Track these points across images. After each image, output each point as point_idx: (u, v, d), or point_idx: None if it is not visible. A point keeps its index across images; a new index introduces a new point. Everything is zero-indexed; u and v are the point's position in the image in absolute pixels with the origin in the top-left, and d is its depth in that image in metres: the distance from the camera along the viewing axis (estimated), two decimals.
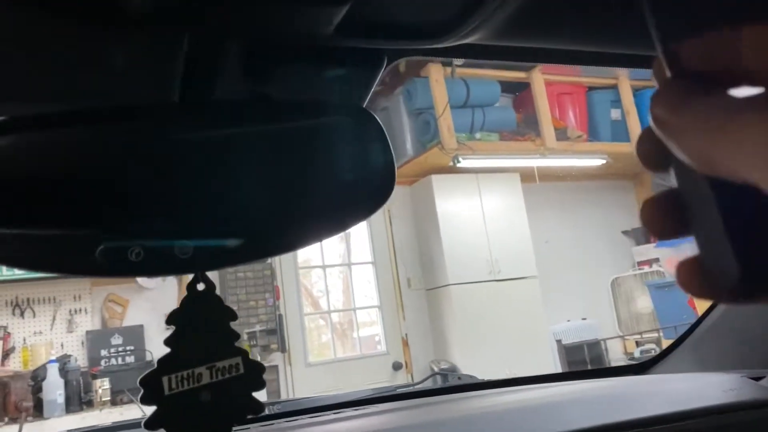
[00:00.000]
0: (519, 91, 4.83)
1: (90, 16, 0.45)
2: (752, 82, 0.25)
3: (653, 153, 0.27)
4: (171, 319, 0.56)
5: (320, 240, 0.59)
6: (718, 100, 0.24)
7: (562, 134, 4.58)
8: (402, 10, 0.53)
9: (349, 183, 0.62)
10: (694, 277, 0.25)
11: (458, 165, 4.33)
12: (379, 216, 4.67)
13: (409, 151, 4.53)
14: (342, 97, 0.64)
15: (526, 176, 4.67)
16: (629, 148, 4.75)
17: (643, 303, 4.83)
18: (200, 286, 0.58)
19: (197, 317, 0.58)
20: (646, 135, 0.27)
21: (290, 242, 0.58)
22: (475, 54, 0.67)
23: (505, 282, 4.43)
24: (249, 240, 0.55)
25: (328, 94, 0.63)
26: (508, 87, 4.71)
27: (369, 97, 0.69)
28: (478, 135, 4.46)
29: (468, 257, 4.39)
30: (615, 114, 4.82)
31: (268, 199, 0.58)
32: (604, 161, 4.72)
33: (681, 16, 0.65)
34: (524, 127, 4.59)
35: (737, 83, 0.28)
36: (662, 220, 0.27)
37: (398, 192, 4.71)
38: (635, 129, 4.77)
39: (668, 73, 0.28)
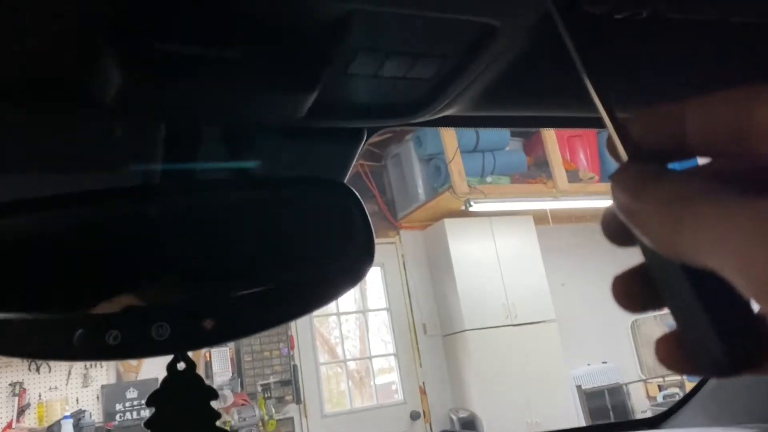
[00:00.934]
0: (529, 135, 4.85)
1: (68, 108, 0.47)
2: (702, 155, 0.26)
3: (618, 231, 0.27)
4: (151, 400, 0.56)
5: (299, 316, 0.59)
6: (675, 186, 0.24)
7: (573, 176, 4.58)
8: (371, 92, 0.54)
9: (328, 257, 0.62)
10: (674, 352, 0.25)
11: (470, 209, 4.33)
12: (393, 261, 4.66)
13: (421, 196, 4.55)
14: (323, 171, 0.65)
15: (540, 218, 4.65)
16: None
17: None
18: (181, 365, 0.58)
19: (178, 397, 0.58)
20: (610, 213, 0.27)
21: (267, 319, 0.58)
22: (454, 123, 0.68)
23: (523, 326, 4.37)
24: (225, 320, 0.55)
25: (307, 168, 0.64)
26: (517, 130, 4.74)
27: (352, 167, 0.70)
28: (489, 179, 4.47)
29: (484, 302, 4.34)
30: None
31: (245, 276, 0.59)
32: None
33: (623, 94, 0.66)
34: (535, 170, 4.60)
35: (687, 157, 0.28)
36: (633, 295, 0.27)
37: (411, 237, 4.72)
38: None
39: (620, 150, 0.29)
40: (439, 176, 4.46)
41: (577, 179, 4.58)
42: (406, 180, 4.68)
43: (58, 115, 0.49)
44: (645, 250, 0.26)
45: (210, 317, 0.54)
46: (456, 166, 4.32)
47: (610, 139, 0.30)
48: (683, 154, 0.27)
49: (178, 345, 0.55)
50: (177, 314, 0.54)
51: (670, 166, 0.26)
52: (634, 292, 0.27)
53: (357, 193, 0.60)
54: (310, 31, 0.45)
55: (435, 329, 4.57)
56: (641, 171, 0.25)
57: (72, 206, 0.57)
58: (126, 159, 0.62)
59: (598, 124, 0.76)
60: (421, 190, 4.60)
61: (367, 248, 0.60)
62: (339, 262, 0.60)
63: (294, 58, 0.46)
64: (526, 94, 0.63)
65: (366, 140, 0.66)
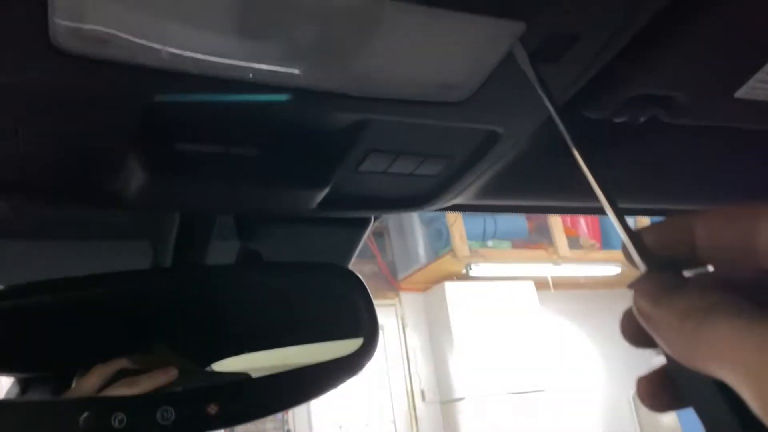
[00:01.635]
0: None
1: (89, 205, 0.49)
2: (713, 265, 0.27)
3: (637, 333, 0.28)
4: None
5: (301, 403, 0.59)
6: (690, 299, 0.25)
7: (574, 243, 4.59)
8: (380, 186, 0.56)
9: (332, 344, 0.63)
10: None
11: (470, 273, 4.33)
12: (392, 324, 4.62)
13: (421, 258, 4.55)
14: (329, 255, 0.67)
15: (541, 284, 4.63)
16: None
17: (668, 419, 4.62)
18: None
19: None
20: (629, 316, 0.29)
21: (271, 405, 0.59)
22: (461, 209, 0.70)
23: (523, 395, 4.29)
24: (229, 405, 0.56)
25: (314, 253, 0.66)
26: None
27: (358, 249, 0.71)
28: (490, 243, 4.48)
29: (484, 368, 4.28)
30: (630, 222, 4.83)
31: (249, 362, 0.60)
32: (619, 270, 4.69)
33: (629, 191, 0.67)
34: (536, 236, 4.61)
35: (699, 266, 0.29)
36: (658, 395, 0.28)
37: (412, 299, 4.69)
38: None
39: (635, 258, 0.30)
40: (440, 239, 4.47)
41: (579, 246, 4.59)
42: (407, 241, 4.69)
43: (79, 210, 0.51)
44: (667, 354, 0.27)
45: (214, 402, 0.54)
46: (457, 230, 4.34)
47: (625, 248, 0.32)
48: (695, 263, 0.29)
49: (182, 429, 0.55)
50: (182, 399, 0.55)
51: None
52: (659, 392, 0.29)
53: (364, 281, 0.61)
54: (324, 135, 0.47)
55: (434, 396, 4.49)
56: (659, 281, 0.27)
57: (85, 288, 0.59)
58: (139, 241, 0.64)
59: (595, 211, 0.78)
60: (422, 252, 4.61)
61: (370, 336, 0.61)
62: (343, 348, 0.61)
63: (308, 157, 0.49)
64: (531, 185, 0.66)
65: (373, 224, 0.68)
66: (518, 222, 4.63)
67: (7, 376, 0.69)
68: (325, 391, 0.57)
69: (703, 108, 0.57)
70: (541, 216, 4.67)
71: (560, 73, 0.45)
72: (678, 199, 0.70)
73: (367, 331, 0.61)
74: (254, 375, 0.58)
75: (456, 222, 4.31)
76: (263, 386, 0.57)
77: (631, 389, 4.87)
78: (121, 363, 0.57)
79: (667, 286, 0.27)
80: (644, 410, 4.54)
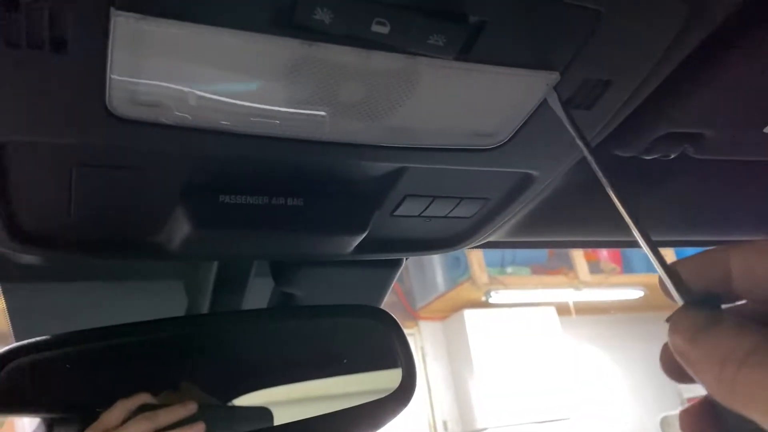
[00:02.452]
0: None
1: (136, 257, 0.50)
2: (749, 299, 0.27)
3: (677, 368, 0.28)
4: None
5: None
6: (727, 339, 0.25)
7: (595, 267, 4.55)
8: (414, 229, 0.57)
9: (370, 383, 0.63)
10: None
11: (490, 300, 4.30)
12: (412, 348, 4.58)
13: (440, 286, 4.53)
14: (362, 296, 0.68)
15: (562, 310, 4.59)
16: None
17: None
18: None
19: None
20: (668, 350, 0.29)
21: None
22: (494, 246, 0.71)
23: (547, 424, 4.22)
24: None
25: (346, 294, 0.66)
26: None
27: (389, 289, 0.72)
28: (509, 269, 4.46)
29: (506, 397, 4.22)
30: None
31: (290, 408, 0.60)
32: (641, 294, 4.63)
33: (663, 223, 0.68)
34: (556, 261, 4.58)
35: (735, 300, 0.29)
36: (702, 429, 0.28)
37: (431, 328, 4.66)
38: (670, 260, 4.70)
39: (671, 291, 0.30)
40: (458, 266, 4.45)
41: (599, 270, 4.55)
42: (425, 270, 4.68)
43: (122, 260, 0.53)
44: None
45: None
46: (475, 257, 4.32)
47: (661, 281, 0.32)
48: (732, 297, 0.29)
49: None
50: None
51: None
52: (703, 425, 0.28)
53: (400, 324, 0.62)
54: (362, 182, 0.48)
55: (456, 426, 4.43)
56: (695, 319, 0.27)
57: (121, 336, 0.60)
58: (178, 286, 0.65)
59: (630, 245, 0.78)
60: (440, 280, 4.59)
61: (408, 377, 0.61)
62: (381, 390, 0.61)
63: (346, 203, 0.50)
64: (563, 222, 0.66)
65: (403, 265, 0.68)
66: None
67: (34, 417, 0.71)
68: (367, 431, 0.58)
69: (731, 143, 0.57)
70: None
71: (593, 117, 0.46)
72: (708, 231, 0.70)
73: (405, 369, 0.61)
74: (292, 419, 0.59)
75: (474, 249, 4.29)
76: (310, 429, 0.57)
77: (659, 414, 4.77)
78: (144, 398, 0.58)
79: (703, 324, 0.27)
80: None
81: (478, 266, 4.28)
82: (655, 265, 0.32)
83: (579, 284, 4.43)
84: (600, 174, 0.37)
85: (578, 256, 4.49)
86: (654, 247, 0.33)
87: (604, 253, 4.68)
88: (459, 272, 4.40)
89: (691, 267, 0.30)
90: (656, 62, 0.43)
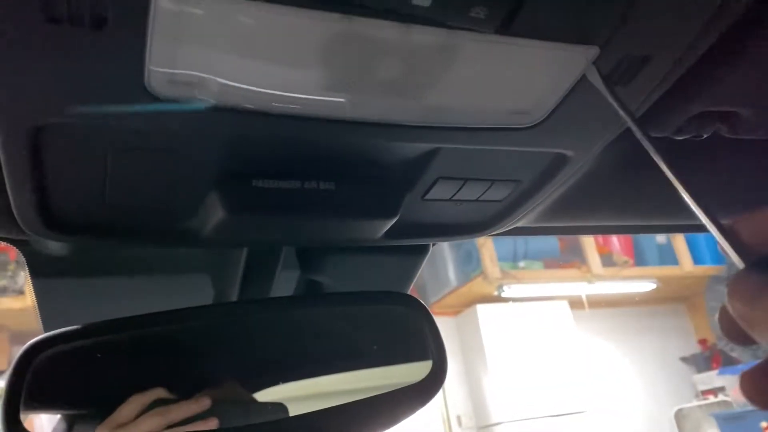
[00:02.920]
0: None
1: (169, 243, 0.50)
2: None
3: (734, 329, 0.28)
4: None
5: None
6: None
7: (607, 260, 4.52)
8: (444, 214, 0.56)
9: (401, 369, 0.63)
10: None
11: (503, 294, 4.28)
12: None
13: (452, 281, 4.52)
14: (389, 283, 0.67)
15: (575, 303, 4.57)
16: (679, 271, 4.63)
17: None
18: None
19: None
20: (726, 312, 0.28)
21: None
22: (523, 233, 0.70)
23: (561, 417, 4.21)
24: None
25: (374, 280, 0.66)
26: None
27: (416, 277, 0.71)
28: (521, 263, 4.44)
29: (520, 391, 4.21)
30: (661, 238, 4.77)
31: (310, 389, 0.60)
32: (654, 286, 4.61)
33: (726, 198, 0.67)
34: (568, 254, 4.56)
35: None
36: (764, 390, 0.28)
37: (443, 323, 4.64)
38: (683, 252, 4.69)
39: (730, 254, 0.30)
40: (470, 261, 4.44)
41: (612, 263, 4.53)
42: (437, 265, 4.67)
43: (155, 247, 0.53)
44: None
45: None
46: (487, 251, 4.31)
47: (720, 245, 0.31)
48: None
49: None
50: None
51: None
52: (764, 386, 0.28)
53: (429, 309, 0.61)
54: (394, 165, 0.48)
55: (470, 421, 4.42)
56: (753, 281, 0.27)
57: (148, 326, 0.59)
58: (206, 274, 0.65)
59: (667, 229, 0.78)
60: (452, 276, 4.58)
61: (439, 362, 0.61)
62: (412, 376, 0.61)
63: (378, 187, 0.49)
64: (592, 207, 0.66)
65: (431, 251, 0.68)
66: (549, 241, 4.59)
67: (58, 413, 0.71)
68: (398, 420, 0.57)
69: (765, 122, 0.56)
70: None
71: (629, 94, 0.45)
72: (741, 211, 0.69)
73: (435, 356, 0.61)
74: (322, 406, 0.58)
75: (486, 244, 4.28)
76: (334, 417, 0.57)
77: (673, 407, 4.75)
78: (158, 392, 0.58)
79: (762, 285, 0.27)
80: (687, 429, 4.41)
81: (490, 261, 4.27)
82: (711, 229, 0.31)
83: (592, 277, 4.41)
84: (651, 148, 0.36)
85: (591, 249, 4.47)
86: (709, 211, 0.32)
87: (616, 245, 4.65)
88: (471, 267, 4.39)
89: (748, 226, 0.29)
90: (694, 37, 0.42)
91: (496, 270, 4.26)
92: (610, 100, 0.38)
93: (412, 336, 0.62)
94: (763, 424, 4.04)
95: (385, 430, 0.59)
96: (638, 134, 0.37)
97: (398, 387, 0.59)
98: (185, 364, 0.63)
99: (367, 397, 0.58)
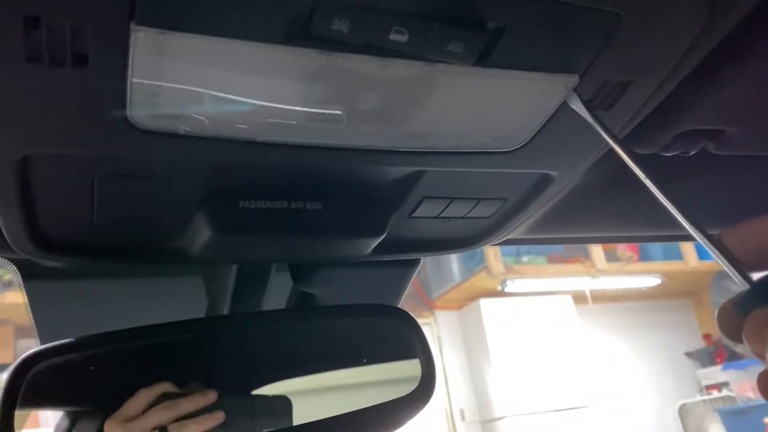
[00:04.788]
0: None
1: (156, 259, 0.51)
2: None
3: (735, 331, 0.29)
4: None
5: None
6: None
7: (611, 255, 4.52)
8: (432, 230, 0.57)
9: (390, 381, 0.63)
10: None
11: (506, 289, 4.29)
12: (429, 343, 4.59)
13: (456, 276, 4.53)
14: (380, 296, 0.68)
15: (579, 298, 4.57)
16: (683, 266, 4.62)
17: (716, 429, 4.49)
18: None
19: None
20: (724, 314, 0.29)
21: None
22: (513, 243, 0.71)
23: (566, 412, 4.22)
24: None
25: (365, 294, 0.67)
26: None
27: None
28: (525, 258, 4.44)
29: (524, 386, 4.22)
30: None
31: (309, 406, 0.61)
32: (658, 281, 4.60)
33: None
34: (572, 250, 4.56)
35: None
36: None
37: (447, 318, 4.67)
38: (688, 247, 4.67)
39: (732, 275, 0.30)
40: (474, 256, 4.44)
41: (616, 258, 4.52)
42: (440, 259, 4.67)
43: (143, 266, 0.53)
44: None
45: None
46: (491, 246, 4.31)
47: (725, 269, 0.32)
48: None
49: None
50: None
51: None
52: None
53: (418, 322, 0.62)
54: (380, 186, 0.48)
55: (473, 415, 4.44)
56: (762, 321, 0.27)
57: (145, 337, 0.60)
58: (198, 288, 0.66)
59: (656, 239, 0.78)
60: (456, 270, 4.58)
61: (427, 375, 0.62)
62: (400, 389, 0.62)
63: (365, 206, 0.50)
64: (581, 219, 0.66)
65: (421, 265, 0.68)
66: None
67: (59, 411, 0.72)
68: (390, 430, 0.58)
69: (752, 139, 0.56)
70: None
71: (612, 117, 0.45)
72: (728, 226, 0.69)
73: (424, 368, 0.62)
74: (307, 419, 0.59)
75: None
76: (332, 427, 0.58)
77: (677, 402, 4.76)
78: (165, 387, 0.59)
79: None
80: (692, 423, 4.41)
81: (494, 256, 4.27)
82: (701, 240, 0.32)
83: (596, 272, 4.40)
84: (635, 168, 0.37)
85: (596, 244, 4.46)
86: (696, 223, 0.33)
87: None
88: (475, 262, 4.39)
89: (735, 237, 0.30)
90: (676, 62, 0.42)
91: (499, 265, 4.26)
92: (593, 124, 0.39)
93: (401, 348, 0.63)
94: (767, 420, 4.04)
95: None
96: (623, 156, 0.37)
97: (387, 389, 0.60)
98: (176, 374, 0.64)
99: (358, 409, 0.59)
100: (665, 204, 0.35)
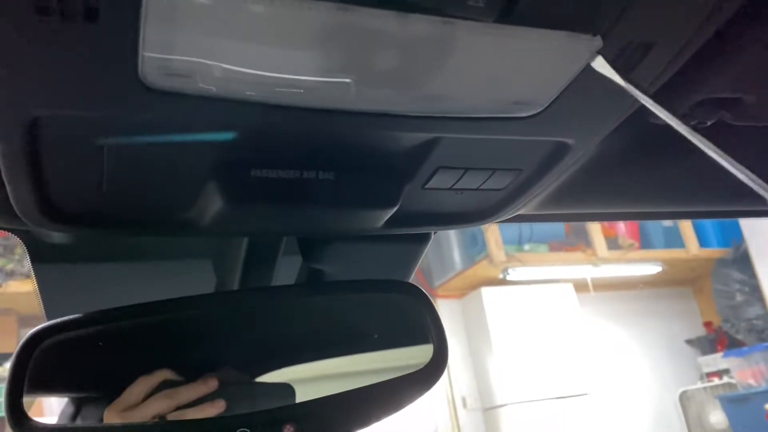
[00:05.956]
0: None
1: (168, 231, 0.50)
2: None
3: None
4: None
5: (377, 419, 0.59)
6: None
7: (613, 243, 4.52)
8: (445, 203, 0.56)
9: (403, 356, 0.63)
10: None
11: (507, 277, 4.29)
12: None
13: (457, 264, 4.53)
14: (391, 271, 0.67)
15: (580, 286, 4.57)
16: (684, 254, 4.62)
17: (717, 418, 4.50)
18: None
19: None
20: None
21: (347, 424, 0.59)
22: (525, 220, 0.70)
23: (566, 399, 4.23)
24: (305, 425, 0.56)
25: (376, 269, 0.66)
26: None
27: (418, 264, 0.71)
28: (526, 246, 4.44)
29: (525, 373, 4.23)
30: (667, 221, 4.75)
31: (322, 383, 0.60)
32: (659, 269, 4.60)
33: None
34: (573, 237, 4.55)
35: None
36: None
37: (448, 306, 4.67)
38: (689, 235, 4.67)
39: None
40: (475, 244, 4.44)
41: (617, 246, 4.52)
42: (442, 248, 4.67)
43: (154, 236, 0.53)
44: None
45: (291, 422, 0.55)
46: (492, 234, 4.31)
47: None
48: None
49: None
50: (259, 421, 0.55)
51: None
52: None
53: (430, 297, 0.61)
54: (394, 154, 0.47)
55: (475, 403, 4.45)
56: None
57: (152, 314, 0.59)
58: (207, 262, 0.65)
59: (672, 216, 0.77)
60: (457, 259, 4.58)
61: (440, 349, 0.61)
62: (414, 363, 0.61)
63: (378, 177, 0.49)
64: (593, 195, 0.65)
65: (433, 239, 0.67)
66: (555, 224, 4.57)
67: (64, 397, 0.71)
68: (400, 406, 0.57)
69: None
70: None
71: (633, 82, 0.44)
72: (746, 200, 0.68)
73: (436, 343, 0.61)
74: (327, 394, 0.58)
75: (491, 227, 4.28)
76: (339, 404, 0.57)
77: (678, 389, 4.77)
78: (165, 374, 0.58)
79: None
80: (692, 411, 4.43)
81: (495, 244, 4.27)
82: None
83: (597, 260, 4.40)
84: (679, 125, 0.36)
85: (596, 232, 4.46)
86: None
87: (622, 228, 4.64)
88: (476, 250, 4.38)
89: None
90: (700, 24, 0.41)
91: (501, 253, 4.26)
92: (625, 85, 0.38)
93: (413, 323, 0.62)
94: None
95: (387, 416, 0.59)
96: (663, 114, 0.36)
97: (400, 370, 0.59)
98: (185, 350, 0.64)
99: (370, 384, 0.58)
100: (730, 167, 0.34)
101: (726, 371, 4.63)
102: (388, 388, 0.58)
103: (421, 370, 0.60)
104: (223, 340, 0.63)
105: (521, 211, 0.63)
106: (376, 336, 0.63)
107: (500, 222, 0.64)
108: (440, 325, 0.62)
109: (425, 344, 0.62)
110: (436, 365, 0.60)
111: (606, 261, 4.43)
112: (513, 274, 4.30)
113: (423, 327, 0.62)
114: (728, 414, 4.32)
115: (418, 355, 0.61)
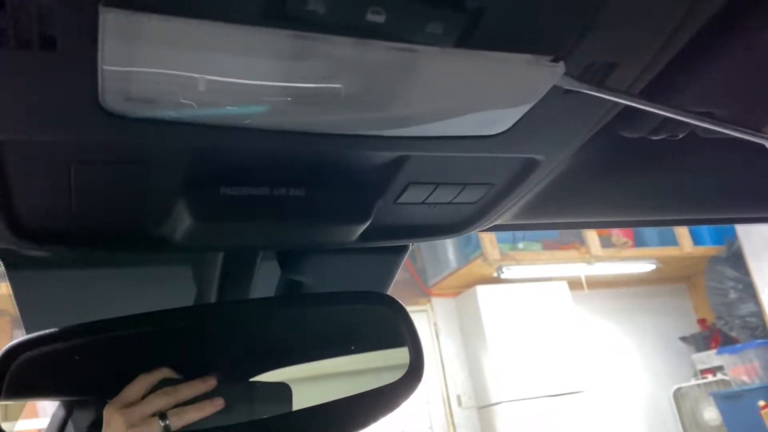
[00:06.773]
0: None
1: (139, 247, 0.50)
2: None
3: None
4: None
5: (354, 430, 0.59)
6: None
7: (606, 241, 4.53)
8: (418, 216, 0.56)
9: (385, 368, 0.63)
10: None
11: (502, 276, 4.30)
12: (425, 330, 4.61)
13: (452, 263, 4.53)
14: (369, 283, 0.67)
15: (574, 284, 4.58)
16: (678, 252, 4.64)
17: (711, 415, 4.52)
18: None
19: None
20: None
21: None
22: (501, 230, 0.70)
23: (561, 397, 4.24)
24: None
25: (353, 281, 0.66)
26: None
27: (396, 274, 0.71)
28: (521, 245, 4.44)
29: (520, 371, 4.24)
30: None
31: (298, 395, 0.60)
32: (653, 267, 4.61)
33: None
34: (567, 236, 4.56)
35: None
36: None
37: (443, 304, 4.68)
38: (682, 233, 4.68)
39: None
40: (469, 243, 4.44)
41: (611, 244, 4.53)
42: (437, 247, 4.68)
43: (126, 254, 0.53)
44: None
45: None
46: (486, 233, 4.32)
47: None
48: None
49: None
50: (238, 430, 0.55)
51: None
52: None
53: (406, 309, 0.61)
54: (364, 171, 0.48)
55: (470, 401, 4.46)
56: None
57: (136, 325, 0.60)
58: (184, 277, 0.65)
59: (639, 224, 0.77)
60: (452, 257, 4.58)
61: (416, 362, 0.61)
62: (389, 376, 0.61)
63: (349, 192, 0.49)
64: (568, 204, 0.66)
65: (409, 251, 0.68)
66: None
67: (51, 401, 0.71)
68: (378, 417, 0.58)
69: (740, 121, 0.56)
70: None
71: (598, 99, 0.44)
72: (717, 209, 0.69)
73: (413, 355, 0.61)
74: (304, 405, 0.59)
75: None
76: (318, 416, 0.57)
77: (672, 386, 4.79)
78: (165, 372, 0.58)
79: None
80: (686, 408, 4.44)
81: (490, 242, 4.27)
82: None
83: (591, 258, 4.41)
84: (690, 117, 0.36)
85: (590, 230, 4.47)
86: None
87: None
88: (470, 249, 4.39)
89: None
90: (663, 43, 0.42)
91: (495, 252, 4.26)
92: (601, 95, 0.38)
93: (389, 334, 0.63)
94: (761, 403, 4.07)
95: (364, 428, 0.59)
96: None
97: (380, 376, 0.60)
98: (167, 363, 0.64)
99: (348, 396, 0.59)
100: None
101: (720, 368, 4.65)
102: (366, 400, 0.59)
103: (401, 378, 0.60)
104: (202, 353, 0.63)
105: (497, 222, 0.64)
106: (353, 348, 0.64)
107: (476, 231, 0.65)
108: (416, 334, 0.62)
109: (404, 354, 0.62)
110: (415, 372, 0.61)
111: (600, 259, 4.44)
112: (507, 273, 4.31)
113: (400, 336, 0.63)
114: (722, 410, 4.34)
115: (399, 362, 0.61)
